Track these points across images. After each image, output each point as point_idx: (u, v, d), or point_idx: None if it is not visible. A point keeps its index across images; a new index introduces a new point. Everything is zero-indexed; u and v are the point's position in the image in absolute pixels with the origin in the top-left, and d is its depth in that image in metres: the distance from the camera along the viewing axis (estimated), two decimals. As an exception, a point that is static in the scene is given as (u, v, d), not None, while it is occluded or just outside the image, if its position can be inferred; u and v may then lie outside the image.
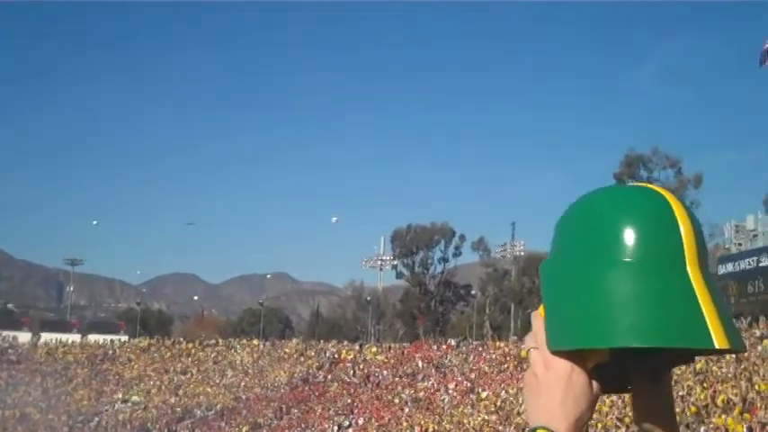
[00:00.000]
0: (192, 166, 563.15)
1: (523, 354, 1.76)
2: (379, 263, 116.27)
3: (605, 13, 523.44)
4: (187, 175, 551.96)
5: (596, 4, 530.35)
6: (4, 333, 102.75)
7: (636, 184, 1.68)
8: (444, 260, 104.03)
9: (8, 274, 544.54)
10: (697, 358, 1.78)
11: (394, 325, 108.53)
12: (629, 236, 1.58)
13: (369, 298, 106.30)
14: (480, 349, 65.82)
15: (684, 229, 1.58)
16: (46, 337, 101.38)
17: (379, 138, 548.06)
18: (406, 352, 71.64)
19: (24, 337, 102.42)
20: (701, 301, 1.54)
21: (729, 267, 65.91)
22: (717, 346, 1.49)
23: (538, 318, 1.66)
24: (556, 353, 1.59)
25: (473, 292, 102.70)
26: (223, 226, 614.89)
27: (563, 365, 1.59)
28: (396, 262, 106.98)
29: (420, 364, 66.47)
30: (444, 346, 70.71)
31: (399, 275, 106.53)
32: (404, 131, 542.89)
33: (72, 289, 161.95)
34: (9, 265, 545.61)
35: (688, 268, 1.57)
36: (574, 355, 1.58)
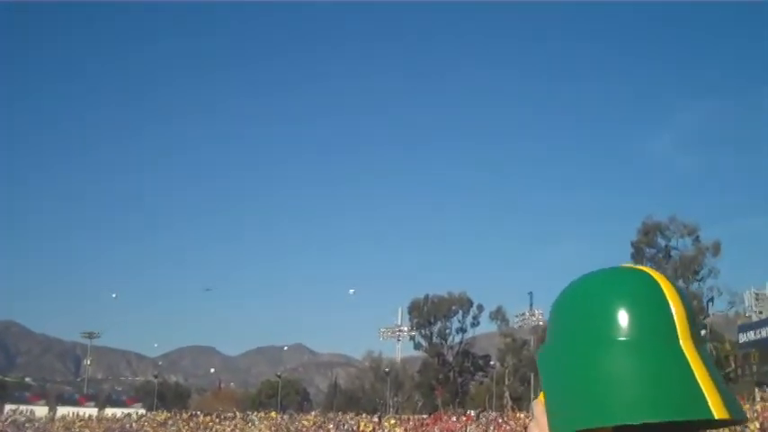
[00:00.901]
0: (210, 237, 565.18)
1: None
2: (397, 333, 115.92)
3: (620, 80, 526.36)
4: (204, 247, 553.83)
5: (608, 71, 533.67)
6: (22, 407, 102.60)
7: (625, 266, 1.73)
8: (462, 330, 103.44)
9: (26, 348, 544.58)
10: None
11: (412, 396, 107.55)
12: (622, 316, 1.63)
13: (387, 369, 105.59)
14: (500, 420, 65.17)
15: (675, 306, 1.63)
16: (63, 410, 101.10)
17: (395, 208, 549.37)
18: (424, 424, 70.97)
19: (41, 410, 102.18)
20: (696, 374, 1.57)
21: (750, 335, 65.30)
22: (716, 417, 1.52)
23: (539, 404, 1.70)
24: None
25: (492, 362, 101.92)
26: (240, 298, 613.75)
27: None
28: (414, 332, 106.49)
29: (439, 436, 65.82)
30: (464, 418, 70.03)
31: (417, 346, 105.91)
32: (419, 202, 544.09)
33: (89, 362, 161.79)
34: (27, 338, 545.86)
35: (681, 343, 1.61)
36: None
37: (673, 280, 1.69)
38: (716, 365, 1.62)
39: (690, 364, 1.59)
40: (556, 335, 1.73)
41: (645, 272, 1.69)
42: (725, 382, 1.60)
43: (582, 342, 1.65)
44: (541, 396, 1.69)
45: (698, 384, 1.56)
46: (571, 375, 1.63)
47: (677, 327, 1.62)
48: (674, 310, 1.63)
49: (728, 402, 1.54)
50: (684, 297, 1.67)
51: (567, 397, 1.61)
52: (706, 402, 1.53)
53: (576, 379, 1.62)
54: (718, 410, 1.51)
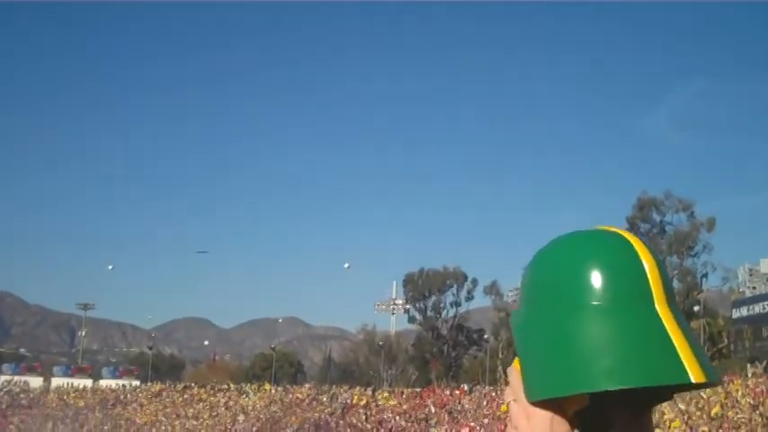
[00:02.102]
0: (204, 209, 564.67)
1: (504, 408, 1.81)
2: (392, 307, 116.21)
3: (620, 55, 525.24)
4: (198, 219, 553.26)
5: (609, 48, 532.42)
6: (16, 378, 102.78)
7: (599, 228, 1.70)
8: (457, 304, 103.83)
9: (21, 320, 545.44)
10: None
11: (406, 370, 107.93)
12: (596, 279, 1.60)
13: (381, 343, 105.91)
14: (494, 394, 65.22)
15: (649, 268, 1.60)
16: (58, 381, 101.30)
17: (390, 182, 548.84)
18: (418, 397, 71.20)
19: (36, 381, 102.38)
20: (672, 338, 1.55)
21: (744, 311, 65.47)
22: (693, 381, 1.51)
23: (514, 371, 1.66)
24: (535, 404, 1.59)
25: (486, 336, 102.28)
26: (235, 270, 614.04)
27: (543, 416, 1.59)
28: (408, 306, 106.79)
29: (432, 409, 65.97)
30: (457, 391, 70.23)
31: (412, 320, 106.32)
32: (415, 175, 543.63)
33: (84, 334, 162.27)
34: (23, 310, 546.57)
35: (656, 306, 1.59)
36: (553, 404, 1.58)
37: (646, 242, 1.66)
38: (691, 328, 1.50)
39: (666, 327, 1.57)
40: (529, 299, 1.69)
41: (619, 234, 1.67)
42: (700, 344, 1.58)
43: (556, 307, 1.62)
44: (516, 362, 1.67)
45: (675, 348, 1.54)
46: (546, 342, 1.60)
47: (652, 289, 1.60)
48: (648, 273, 1.60)
49: (704, 365, 1.53)
50: (658, 259, 1.64)
51: (543, 364, 1.59)
52: (683, 366, 1.52)
53: (552, 345, 1.59)
54: (695, 374, 1.51)
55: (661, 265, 1.64)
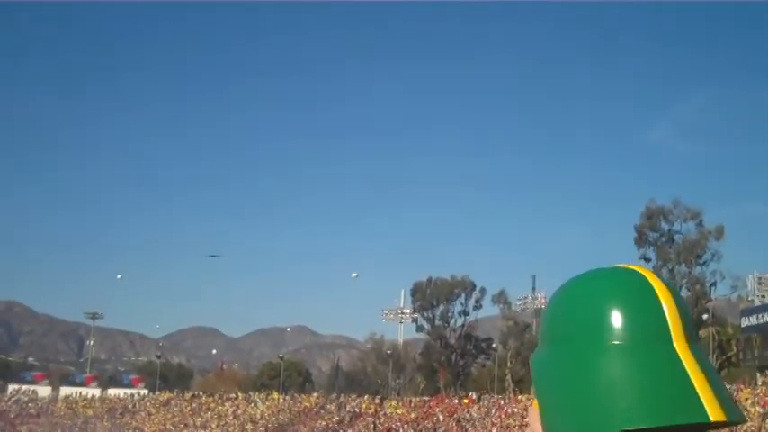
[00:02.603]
0: (213, 220, 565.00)
1: None
2: (400, 316, 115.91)
3: (626, 66, 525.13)
4: (207, 229, 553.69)
5: (615, 59, 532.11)
6: (25, 387, 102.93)
7: (616, 266, 1.71)
8: (465, 313, 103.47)
9: (29, 329, 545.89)
10: None
11: (414, 378, 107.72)
12: (614, 319, 1.62)
13: (389, 351, 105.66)
14: (502, 403, 65.23)
15: (667, 305, 1.61)
16: (66, 391, 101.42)
17: (397, 191, 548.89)
18: (426, 406, 71.07)
19: (44, 390, 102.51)
20: (691, 376, 1.56)
21: (753, 320, 65.20)
22: (711, 419, 1.51)
23: (534, 410, 1.68)
24: None
25: (494, 345, 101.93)
26: (243, 280, 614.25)
27: None
28: (416, 315, 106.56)
29: (441, 417, 65.92)
30: (465, 400, 70.12)
31: (420, 328, 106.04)
32: (422, 184, 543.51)
33: (92, 343, 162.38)
34: (31, 318, 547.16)
35: (675, 344, 1.60)
36: None
37: (665, 279, 1.67)
38: (712, 365, 1.58)
39: (684, 365, 1.58)
40: (549, 339, 1.71)
41: (637, 272, 1.67)
42: (722, 381, 1.59)
43: (575, 347, 1.64)
44: (535, 402, 1.68)
45: (693, 386, 1.55)
46: (565, 382, 1.62)
47: (670, 327, 1.61)
48: (666, 311, 1.62)
49: (724, 403, 1.53)
50: (677, 296, 1.65)
51: (562, 404, 1.60)
52: (701, 405, 1.52)
53: (571, 386, 1.60)
54: (713, 412, 1.51)
55: (680, 303, 1.64)
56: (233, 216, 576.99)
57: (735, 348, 75.14)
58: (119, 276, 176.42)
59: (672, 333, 1.61)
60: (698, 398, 1.53)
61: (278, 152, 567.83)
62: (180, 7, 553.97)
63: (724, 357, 77.43)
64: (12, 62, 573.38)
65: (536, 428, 1.64)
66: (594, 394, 1.57)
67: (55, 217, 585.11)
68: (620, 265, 1.72)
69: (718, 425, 1.57)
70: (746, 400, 48.03)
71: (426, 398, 77.62)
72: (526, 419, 1.70)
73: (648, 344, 1.60)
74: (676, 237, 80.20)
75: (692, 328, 1.64)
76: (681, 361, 1.58)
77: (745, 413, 1.44)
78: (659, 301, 1.61)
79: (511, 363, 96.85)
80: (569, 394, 1.60)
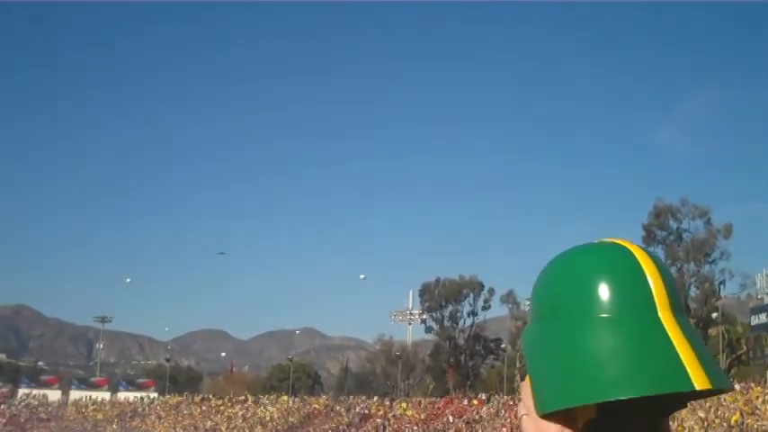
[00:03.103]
0: (221, 222, 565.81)
1: (516, 423, 1.85)
2: (408, 317, 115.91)
3: (632, 65, 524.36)
4: (215, 232, 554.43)
5: (621, 57, 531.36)
6: (35, 391, 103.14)
7: (602, 240, 1.74)
8: (474, 314, 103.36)
9: (39, 333, 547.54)
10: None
11: (424, 380, 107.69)
12: (600, 292, 1.64)
13: (398, 353, 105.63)
14: (511, 403, 65.14)
15: (652, 278, 1.63)
16: (76, 394, 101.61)
17: (405, 191, 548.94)
18: (436, 407, 71.05)
19: (54, 394, 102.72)
20: (676, 346, 1.58)
21: (762, 318, 65.05)
22: (697, 388, 1.54)
23: (525, 386, 1.71)
24: (545, 417, 1.63)
25: (503, 345, 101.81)
26: (251, 282, 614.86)
27: (553, 429, 1.64)
28: (425, 316, 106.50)
29: (451, 418, 65.89)
30: (475, 401, 70.07)
31: (428, 329, 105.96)
32: (429, 185, 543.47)
33: (102, 346, 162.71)
34: (40, 323, 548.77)
35: (660, 314, 1.62)
36: (563, 417, 1.63)
37: (650, 251, 1.70)
38: (698, 335, 1.48)
39: (669, 335, 1.60)
40: (537, 315, 1.75)
41: (621, 245, 1.70)
42: (708, 351, 1.61)
43: (562, 321, 1.67)
44: (528, 379, 1.70)
45: (678, 356, 1.57)
46: (553, 355, 1.65)
47: (655, 299, 1.63)
48: (651, 282, 1.64)
49: (710, 372, 1.56)
50: (662, 267, 1.67)
51: (550, 376, 1.63)
52: (687, 374, 1.54)
53: (558, 358, 1.63)
54: (699, 381, 1.54)
55: (665, 274, 1.67)
56: (240, 218, 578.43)
57: (745, 347, 74.95)
58: (128, 280, 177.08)
59: (657, 304, 1.63)
60: (683, 367, 1.56)
61: (281, 152, 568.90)
62: (181, 8, 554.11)
63: (734, 356, 77.26)
64: (14, 63, 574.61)
65: (528, 404, 1.67)
66: (581, 366, 1.59)
67: (63, 221, 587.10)
68: (606, 240, 1.75)
69: (704, 393, 1.61)
70: (757, 398, 47.86)
71: (436, 399, 77.59)
72: (520, 396, 1.72)
73: (634, 315, 1.62)
74: (685, 235, 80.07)
75: (677, 299, 1.66)
76: (666, 332, 1.60)
77: (737, 384, 1.49)
78: (644, 274, 1.64)
79: (520, 363, 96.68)
80: (556, 367, 1.63)
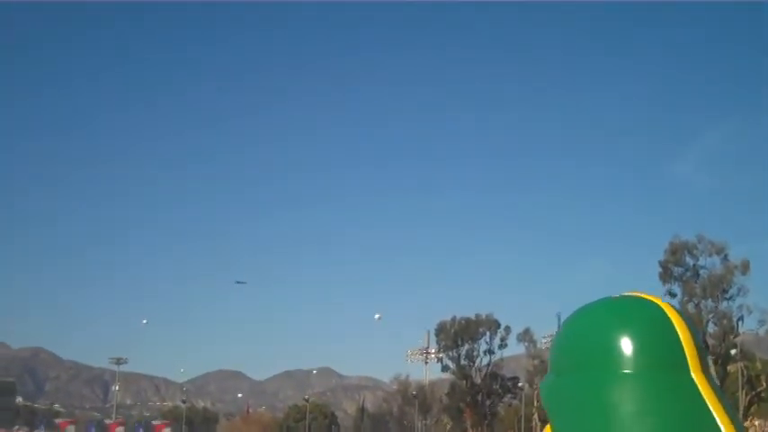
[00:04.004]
0: (235, 261, 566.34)
1: None
2: (425, 356, 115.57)
3: (645, 99, 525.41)
4: (230, 272, 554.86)
5: (633, 90, 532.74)
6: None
7: (627, 294, 1.68)
8: (490, 352, 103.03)
9: (55, 375, 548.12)
10: None
11: (441, 419, 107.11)
12: (629, 347, 1.59)
13: (415, 392, 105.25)
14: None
15: (683, 335, 1.58)
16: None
17: (419, 231, 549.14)
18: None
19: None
20: (711, 407, 1.54)
21: (782, 354, 64.62)
22: None
23: None
24: None
25: (520, 384, 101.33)
26: (266, 322, 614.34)
27: None
28: (441, 355, 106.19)
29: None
30: (493, 441, 69.61)
31: (445, 368, 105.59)
32: (444, 223, 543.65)
33: (117, 388, 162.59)
34: (56, 365, 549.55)
35: (692, 374, 1.57)
36: None
37: (678, 308, 1.64)
38: (726, 397, 1.56)
39: (703, 396, 1.55)
40: (560, 368, 1.69)
41: (650, 301, 1.65)
42: (737, 413, 1.56)
43: (589, 376, 1.62)
44: (547, 429, 1.68)
45: (713, 417, 1.52)
46: (579, 412, 1.60)
47: (687, 356, 1.58)
48: (683, 341, 1.59)
49: None
50: (691, 324, 1.62)
51: None
52: None
53: (585, 416, 1.58)
54: None
55: (695, 333, 1.61)
56: (255, 257, 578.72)
57: (764, 383, 74.37)
58: (144, 321, 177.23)
59: (689, 362, 1.58)
60: (718, 428, 1.51)
61: (285, 191, 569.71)
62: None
63: (753, 393, 76.60)
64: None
65: None
66: (612, 424, 1.54)
67: (78, 263, 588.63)
68: (629, 293, 1.69)
69: None
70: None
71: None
72: None
73: (666, 373, 1.57)
74: (702, 271, 79.77)
75: (707, 359, 1.61)
76: (699, 391, 1.55)
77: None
78: (675, 330, 1.58)
79: (538, 402, 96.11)
80: (583, 425, 1.58)
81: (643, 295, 1.67)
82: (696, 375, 1.57)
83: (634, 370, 1.58)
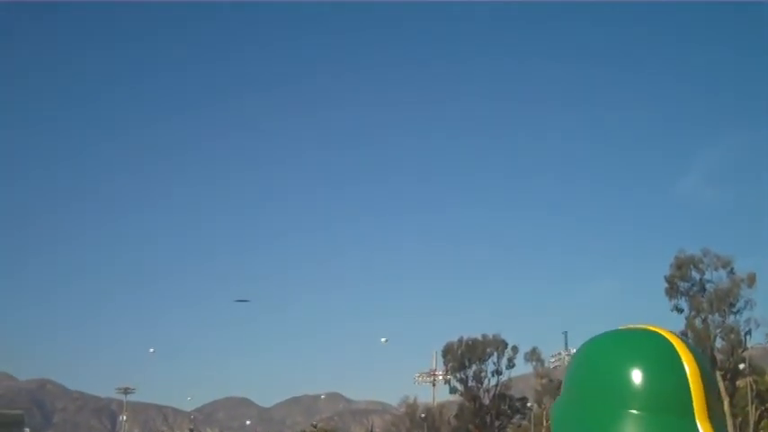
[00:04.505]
0: (241, 288, 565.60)
1: None
2: (432, 378, 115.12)
3: (648, 114, 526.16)
4: (234, 297, 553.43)
5: (640, 107, 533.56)
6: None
7: (639, 327, 1.67)
8: (498, 372, 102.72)
9: (62, 406, 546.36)
10: None
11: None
12: (635, 387, 1.58)
13: (423, 415, 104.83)
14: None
15: (692, 375, 1.55)
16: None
17: (425, 250, 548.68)
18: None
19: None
20: None
21: (790, 367, 64.34)
22: None
23: None
24: None
25: (529, 404, 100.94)
26: (273, 348, 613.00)
27: None
28: (449, 376, 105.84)
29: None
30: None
31: (453, 390, 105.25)
32: (451, 242, 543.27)
33: (125, 418, 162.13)
34: (63, 396, 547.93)
35: (698, 422, 1.55)
36: None
37: (691, 345, 1.62)
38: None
39: None
40: (571, 394, 1.70)
41: (660, 335, 1.63)
42: None
43: (595, 409, 1.61)
44: None
45: None
46: None
47: (694, 401, 1.55)
48: (690, 382, 1.56)
49: None
50: (702, 364, 1.58)
51: None
52: None
53: None
54: None
55: (705, 371, 1.57)
56: (260, 282, 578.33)
57: (774, 398, 74.05)
58: (151, 350, 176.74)
59: (695, 406, 1.55)
60: None
61: (290, 215, 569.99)
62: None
63: (763, 407, 76.20)
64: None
65: None
66: None
67: (84, 294, 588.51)
68: (646, 327, 1.67)
69: None
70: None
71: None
72: None
73: (669, 417, 1.54)
74: (708, 286, 79.57)
75: (716, 399, 1.56)
76: None
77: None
78: (684, 370, 1.56)
79: (547, 422, 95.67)
80: None
81: (653, 328, 1.66)
82: (701, 423, 1.54)
83: (639, 411, 1.55)
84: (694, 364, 1.55)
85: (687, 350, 1.58)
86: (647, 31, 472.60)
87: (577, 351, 1.73)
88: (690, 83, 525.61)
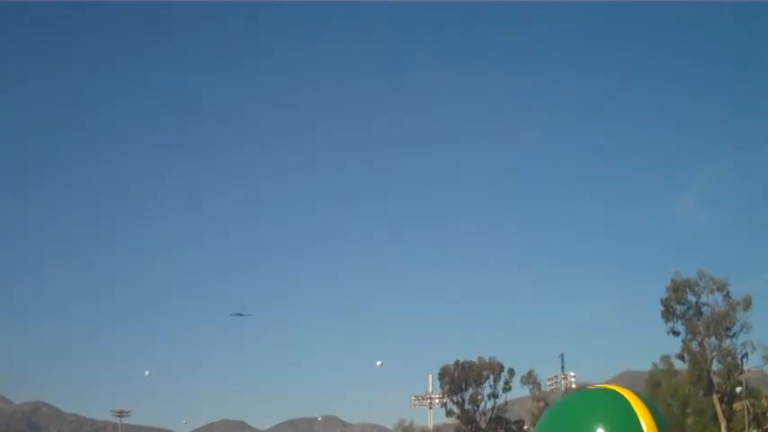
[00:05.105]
0: (236, 309, 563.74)
1: None
2: (429, 401, 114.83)
3: (644, 134, 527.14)
4: (231, 321, 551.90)
5: (634, 127, 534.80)
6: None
7: (600, 387, 1.81)
8: (494, 396, 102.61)
9: (57, 429, 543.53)
10: None
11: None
12: None
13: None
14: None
15: (647, 428, 1.68)
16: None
17: (420, 273, 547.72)
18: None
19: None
20: None
21: (787, 390, 64.29)
22: None
23: None
24: None
25: (525, 427, 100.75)
26: (269, 371, 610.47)
27: None
28: (445, 399, 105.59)
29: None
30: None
31: (449, 413, 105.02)
32: (444, 266, 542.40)
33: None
34: (58, 419, 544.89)
35: None
36: None
37: (646, 399, 1.72)
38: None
39: None
40: None
41: (620, 394, 1.74)
42: None
43: None
44: None
45: None
46: None
47: None
48: None
49: None
50: (658, 416, 1.68)
51: None
52: None
53: None
54: None
55: (662, 427, 1.69)
56: (255, 303, 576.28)
57: (771, 420, 73.90)
58: (147, 373, 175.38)
59: None
60: None
61: (283, 235, 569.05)
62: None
63: (760, 430, 76.03)
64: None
65: None
66: None
67: (79, 315, 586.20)
68: (606, 386, 1.80)
69: None
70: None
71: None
72: None
73: None
74: (704, 309, 79.60)
75: None
76: None
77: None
78: (641, 427, 1.67)
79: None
80: None
81: (613, 387, 1.77)
82: None
83: None
84: (651, 422, 1.65)
85: (644, 408, 1.67)
86: (645, 49, 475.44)
87: (546, 411, 1.86)
88: (687, 105, 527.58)
